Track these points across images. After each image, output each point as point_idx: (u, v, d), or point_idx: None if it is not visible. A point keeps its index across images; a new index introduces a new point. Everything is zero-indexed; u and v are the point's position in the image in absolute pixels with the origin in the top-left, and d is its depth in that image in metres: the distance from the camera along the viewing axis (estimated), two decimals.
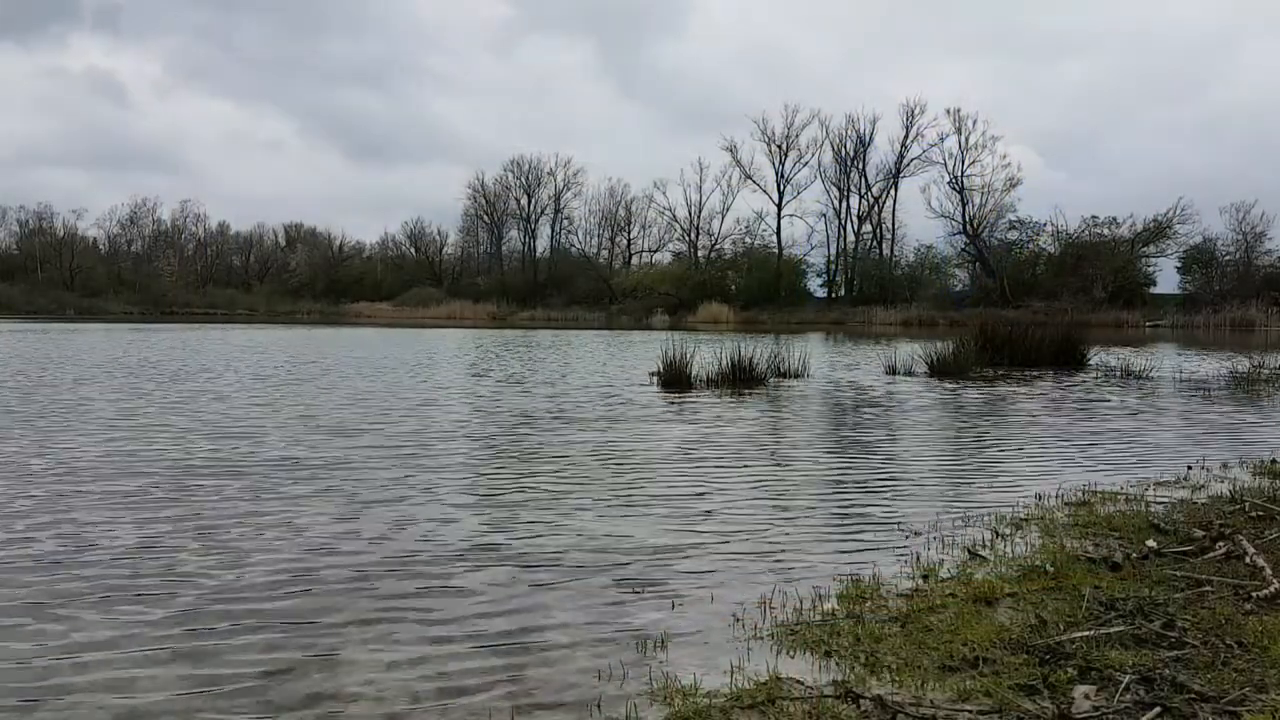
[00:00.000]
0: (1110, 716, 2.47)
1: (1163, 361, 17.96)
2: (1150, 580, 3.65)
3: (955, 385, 13.21)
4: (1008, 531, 4.61)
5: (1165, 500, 5.28)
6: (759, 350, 14.05)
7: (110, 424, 8.27)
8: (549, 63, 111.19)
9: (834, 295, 62.44)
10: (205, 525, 4.67)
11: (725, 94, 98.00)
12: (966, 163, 57.20)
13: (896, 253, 62.57)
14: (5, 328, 32.64)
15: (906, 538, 4.51)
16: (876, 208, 62.92)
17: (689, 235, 68.78)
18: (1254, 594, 3.41)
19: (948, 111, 58.81)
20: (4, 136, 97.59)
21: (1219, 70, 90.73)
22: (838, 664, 2.89)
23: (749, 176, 64.66)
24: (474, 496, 5.46)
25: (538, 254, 74.05)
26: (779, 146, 63.45)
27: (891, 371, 15.30)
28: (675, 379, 12.58)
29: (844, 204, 63.44)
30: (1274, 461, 6.65)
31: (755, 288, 60.37)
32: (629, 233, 72.52)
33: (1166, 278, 52.55)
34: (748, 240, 66.15)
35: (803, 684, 2.72)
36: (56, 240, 74.12)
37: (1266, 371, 14.85)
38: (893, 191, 62.03)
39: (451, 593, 3.66)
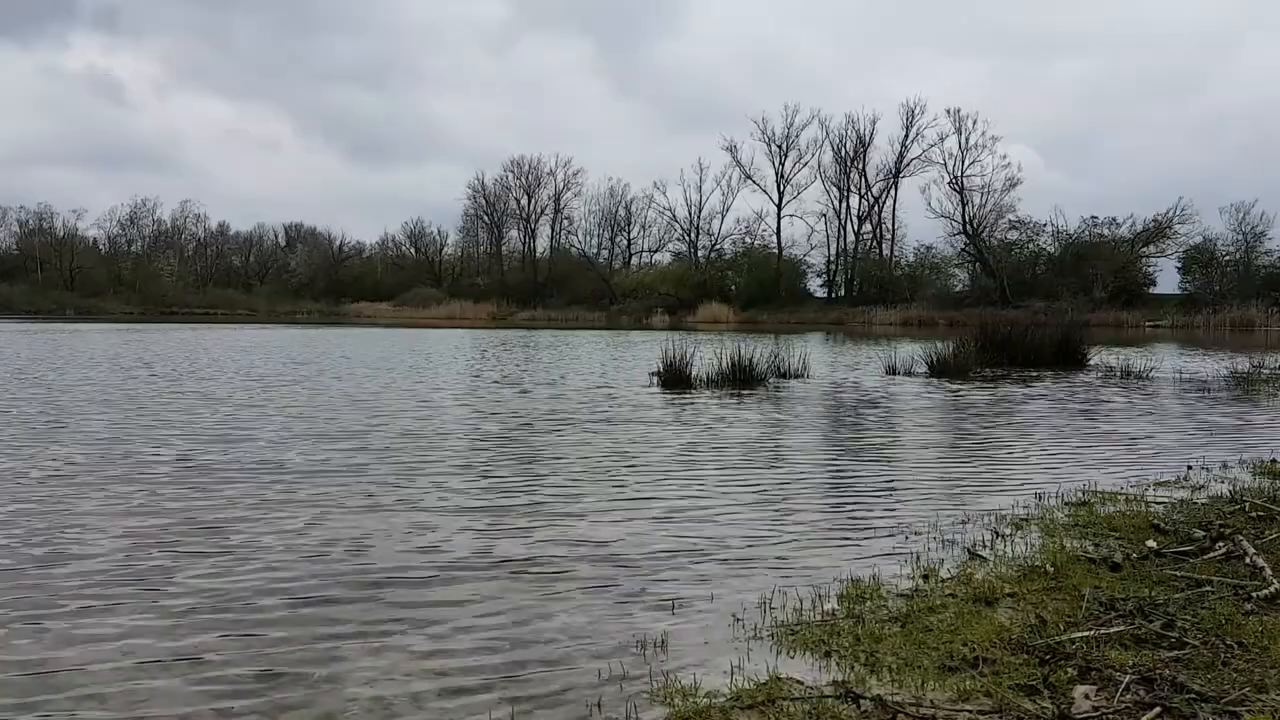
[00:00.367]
0: (1110, 716, 2.47)
1: (1163, 361, 17.96)
2: (1150, 580, 3.65)
3: (955, 385, 13.20)
4: (1008, 531, 4.61)
5: (1165, 500, 5.27)
6: (759, 350, 14.06)
7: (109, 424, 8.27)
8: (547, 62, 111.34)
9: (834, 295, 62.47)
10: (205, 526, 4.67)
11: (724, 93, 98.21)
12: (966, 163, 57.27)
13: (896, 253, 62.70)
14: (5, 328, 32.63)
15: (906, 538, 4.51)
16: (876, 208, 63.02)
17: (689, 235, 68.93)
18: (1254, 594, 3.41)
19: (947, 111, 58.97)
20: (3, 136, 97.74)
21: (1219, 70, 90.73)
22: (838, 664, 2.89)
23: (749, 176, 64.82)
24: (473, 496, 5.46)
25: (538, 254, 74.13)
26: (779, 146, 63.60)
27: (891, 372, 15.30)
28: (675, 379, 12.58)
29: (844, 204, 63.57)
30: (1274, 461, 6.65)
31: (755, 288, 60.41)
32: (629, 233, 72.63)
33: (1166, 278, 52.64)
34: (748, 240, 66.31)
35: (803, 684, 2.72)
36: (56, 240, 74.11)
37: (1266, 371, 14.85)
38: (893, 191, 62.17)
39: (451, 593, 3.65)
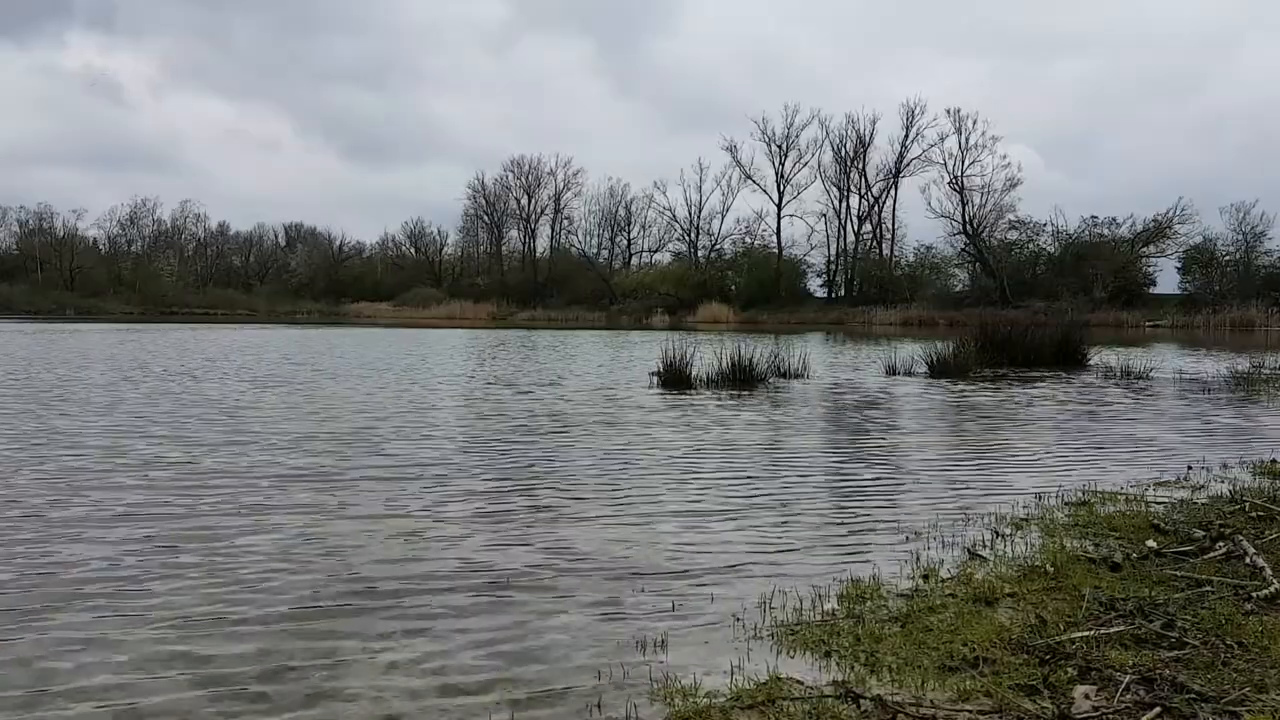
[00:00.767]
0: (1110, 716, 2.47)
1: (1163, 361, 17.96)
2: (1150, 580, 3.65)
3: (955, 385, 13.20)
4: (1008, 531, 4.61)
5: (1165, 500, 5.27)
6: (759, 350, 14.05)
7: (108, 424, 8.27)
8: (547, 62, 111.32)
9: (834, 295, 62.47)
10: (204, 526, 4.67)
11: (724, 93, 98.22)
12: (966, 163, 57.27)
13: (896, 253, 62.70)
14: (4, 328, 32.63)
15: (906, 538, 4.51)
16: (876, 208, 63.02)
17: (689, 235, 68.93)
18: (1254, 594, 3.41)
19: (947, 111, 58.96)
20: (2, 136, 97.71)
21: (1219, 70, 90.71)
22: (838, 664, 2.89)
23: (749, 176, 64.82)
24: (473, 496, 5.46)
25: (538, 254, 74.13)
26: (779, 146, 63.61)
27: (891, 372, 15.30)
28: (675, 379, 12.58)
29: (844, 204, 63.57)
30: (1274, 461, 6.65)
31: (755, 288, 60.41)
32: (629, 233, 72.63)
33: (1166, 278, 52.63)
34: (748, 240, 66.30)
35: (803, 684, 2.72)
36: (56, 240, 74.09)
37: (1266, 371, 14.85)
38: (893, 191, 62.18)
39: (450, 593, 3.65)
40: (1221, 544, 4.15)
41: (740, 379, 12.88)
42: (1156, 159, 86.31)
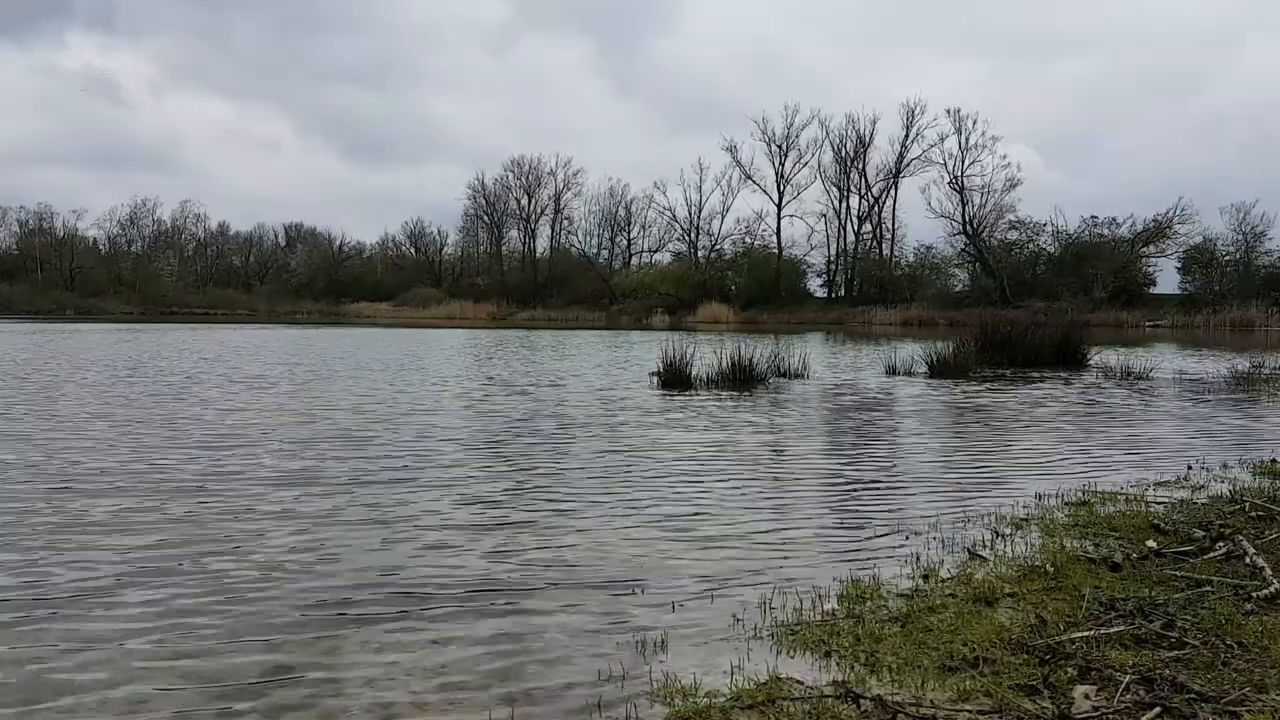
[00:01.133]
0: (1110, 716, 2.47)
1: (1163, 362, 17.96)
2: (1150, 580, 3.65)
3: (955, 386, 13.20)
4: (1008, 531, 4.60)
5: (1165, 500, 5.27)
6: (759, 350, 14.05)
7: (107, 424, 8.27)
8: (547, 62, 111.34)
9: (834, 295, 62.47)
10: (204, 526, 4.67)
11: (724, 93, 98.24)
12: (966, 163, 57.28)
13: (896, 253, 62.70)
14: (3, 328, 32.63)
15: (906, 538, 4.51)
16: (876, 208, 63.02)
17: (689, 235, 68.92)
18: (1254, 594, 3.41)
19: (947, 111, 58.94)
20: (2, 136, 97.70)
21: (1219, 70, 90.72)
22: (838, 664, 2.89)
23: (749, 176, 64.82)
24: (472, 496, 5.46)
25: (538, 254, 74.14)
26: (779, 146, 63.61)
27: (891, 372, 15.30)
28: (675, 379, 12.58)
29: (844, 204, 63.57)
30: (1274, 461, 6.65)
31: (755, 288, 60.41)
32: (629, 233, 72.63)
33: (1166, 278, 52.63)
34: (748, 240, 66.29)
35: (803, 684, 2.72)
36: (56, 240, 74.10)
37: (1266, 371, 14.85)
38: (893, 191, 62.18)
39: (450, 592, 3.65)
40: (1221, 544, 4.15)
41: (740, 379, 12.88)
42: (1156, 159, 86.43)
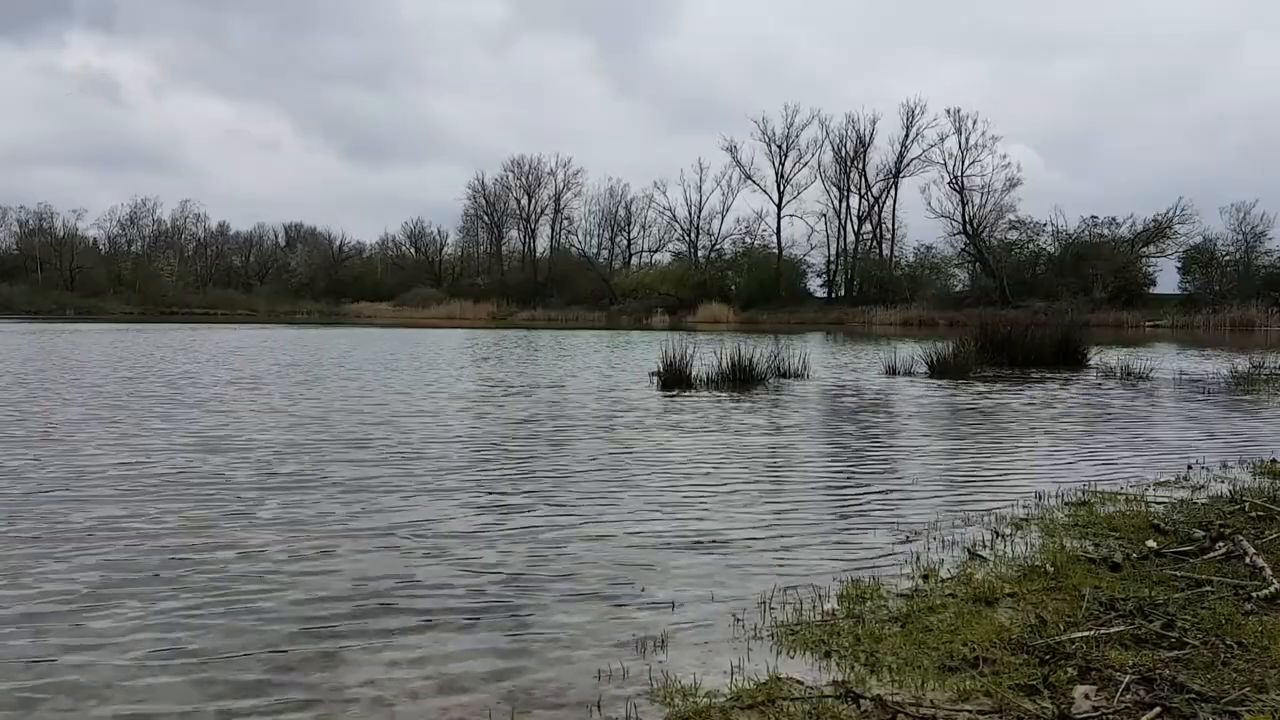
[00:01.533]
0: (1110, 716, 2.47)
1: (1163, 361, 17.96)
2: (1150, 580, 3.65)
3: (955, 386, 13.20)
4: (1008, 531, 4.61)
5: (1165, 500, 5.27)
6: (759, 350, 14.05)
7: (106, 424, 8.27)
8: (547, 62, 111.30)
9: (834, 295, 62.45)
10: (204, 527, 4.67)
11: (724, 93, 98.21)
12: (966, 163, 57.24)
13: (896, 253, 62.67)
14: (3, 328, 32.63)
15: (906, 538, 4.51)
16: (876, 208, 62.99)
17: (689, 235, 68.88)
18: (1254, 594, 3.41)
19: (947, 111, 58.88)
20: (2, 136, 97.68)
21: (1219, 70, 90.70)
22: (838, 664, 2.89)
23: (749, 176, 64.78)
24: (472, 495, 5.46)
25: (538, 254, 74.10)
26: (779, 146, 63.57)
27: (892, 372, 15.29)
28: (675, 379, 12.57)
29: (844, 204, 63.54)
30: (1274, 461, 6.65)
31: (755, 288, 60.40)
32: (629, 233, 72.58)
33: (1166, 278, 52.61)
34: (748, 240, 66.27)
35: (803, 684, 2.72)
36: (56, 240, 74.07)
37: (1266, 371, 14.84)
38: (893, 191, 62.14)
39: (450, 592, 3.65)
40: (1221, 544, 4.15)
41: (740, 379, 12.88)
42: (1156, 159, 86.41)
